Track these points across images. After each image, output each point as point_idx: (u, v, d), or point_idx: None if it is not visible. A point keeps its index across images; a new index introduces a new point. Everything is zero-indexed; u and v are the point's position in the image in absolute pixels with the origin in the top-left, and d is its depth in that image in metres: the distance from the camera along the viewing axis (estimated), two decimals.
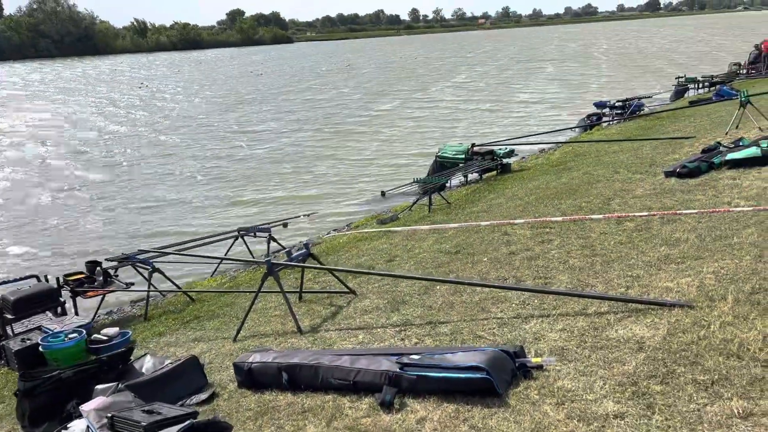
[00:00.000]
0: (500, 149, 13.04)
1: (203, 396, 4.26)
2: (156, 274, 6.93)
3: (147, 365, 4.81)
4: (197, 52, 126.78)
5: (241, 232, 8.42)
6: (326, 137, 21.96)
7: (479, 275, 5.88)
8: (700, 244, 5.44)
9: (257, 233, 8.27)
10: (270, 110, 30.53)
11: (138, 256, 7.07)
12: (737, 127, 11.17)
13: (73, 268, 7.85)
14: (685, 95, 22.57)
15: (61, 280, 6.80)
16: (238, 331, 5.47)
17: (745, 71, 24.47)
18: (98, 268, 6.85)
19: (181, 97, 40.00)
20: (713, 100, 16.51)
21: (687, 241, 5.60)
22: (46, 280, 6.72)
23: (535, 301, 4.87)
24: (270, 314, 5.99)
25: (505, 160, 12.89)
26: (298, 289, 6.26)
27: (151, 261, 6.98)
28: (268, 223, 8.84)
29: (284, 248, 8.40)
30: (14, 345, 5.59)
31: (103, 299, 7.23)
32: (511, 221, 7.77)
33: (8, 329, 6.07)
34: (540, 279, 5.41)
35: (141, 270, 7.22)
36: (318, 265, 5.96)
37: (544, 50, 66.68)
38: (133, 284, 6.98)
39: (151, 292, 7.06)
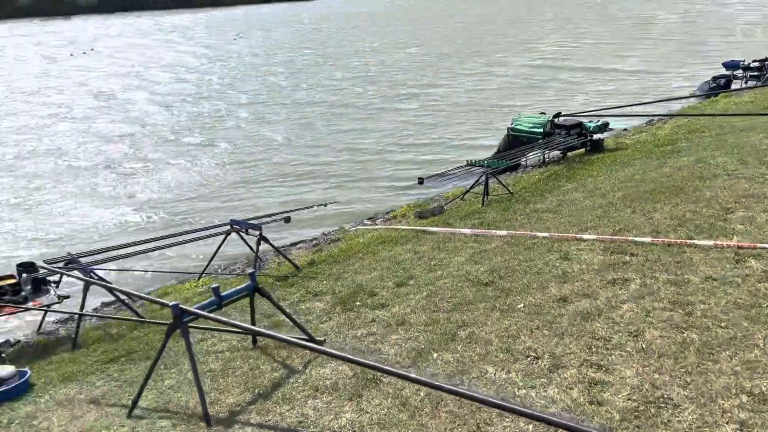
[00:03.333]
0: (591, 122, 10.46)
1: None
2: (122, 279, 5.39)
3: None
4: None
5: (234, 227, 6.73)
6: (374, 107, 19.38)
7: (501, 339, 3.85)
8: None
9: (249, 230, 6.52)
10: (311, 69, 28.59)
11: (80, 259, 5.53)
12: None
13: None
14: None
15: None
16: (134, 404, 3.78)
17: None
18: (24, 275, 5.37)
19: None
20: None
21: None
22: None
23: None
24: (202, 369, 4.25)
25: (596, 136, 10.34)
26: (252, 328, 4.47)
27: (90, 267, 5.44)
28: (269, 216, 7.04)
29: (281, 252, 6.64)
30: None
31: (45, 316, 5.80)
32: (580, 235, 5.57)
33: None
34: (591, 366, 3.30)
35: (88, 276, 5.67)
36: (237, 326, 3.75)
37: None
38: (68, 297, 5.47)
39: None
